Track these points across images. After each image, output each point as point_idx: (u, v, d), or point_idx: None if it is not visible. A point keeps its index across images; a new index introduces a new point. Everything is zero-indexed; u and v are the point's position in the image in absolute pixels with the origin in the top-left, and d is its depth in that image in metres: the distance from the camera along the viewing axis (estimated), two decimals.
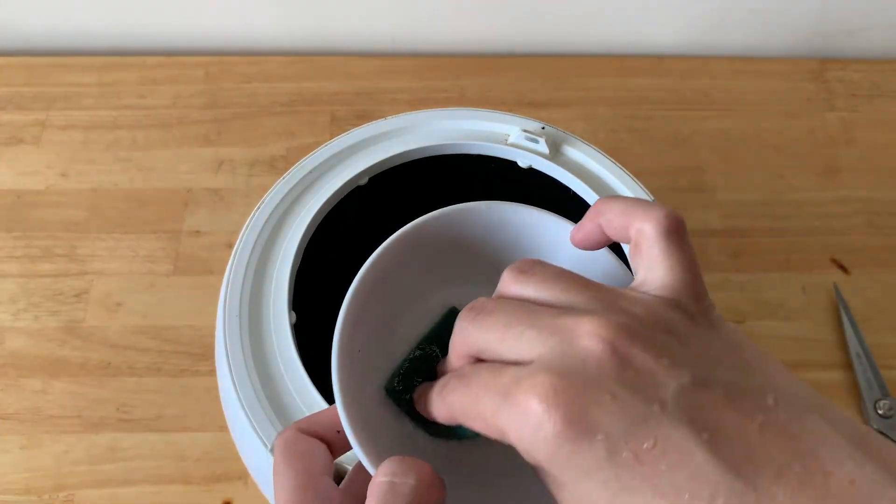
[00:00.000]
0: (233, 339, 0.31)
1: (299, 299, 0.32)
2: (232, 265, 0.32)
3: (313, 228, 0.34)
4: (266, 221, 0.33)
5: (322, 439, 0.23)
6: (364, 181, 0.35)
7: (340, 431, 0.23)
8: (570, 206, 0.36)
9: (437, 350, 0.26)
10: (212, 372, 0.41)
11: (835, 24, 0.59)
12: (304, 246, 0.33)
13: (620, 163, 0.36)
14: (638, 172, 0.52)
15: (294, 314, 0.31)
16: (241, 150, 0.52)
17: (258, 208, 0.34)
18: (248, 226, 0.33)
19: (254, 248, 0.33)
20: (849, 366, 0.45)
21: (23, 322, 0.45)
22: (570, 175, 0.35)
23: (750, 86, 0.57)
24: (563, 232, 0.26)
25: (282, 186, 0.35)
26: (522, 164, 0.36)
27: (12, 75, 0.55)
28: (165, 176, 0.51)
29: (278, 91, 0.55)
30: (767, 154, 0.54)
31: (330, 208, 0.34)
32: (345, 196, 0.35)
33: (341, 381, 0.23)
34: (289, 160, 0.52)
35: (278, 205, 0.34)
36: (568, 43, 0.60)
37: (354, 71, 0.56)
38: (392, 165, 0.36)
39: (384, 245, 0.25)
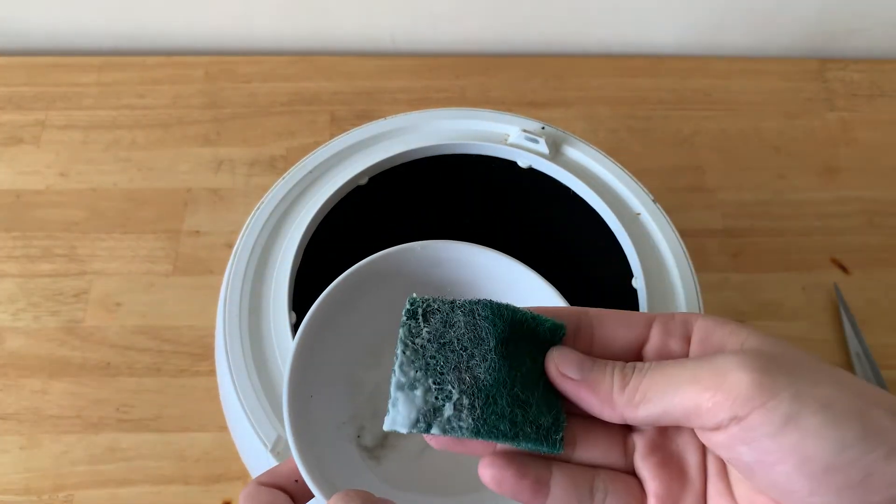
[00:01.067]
0: (233, 339, 0.31)
1: (299, 299, 0.32)
2: (232, 265, 0.32)
3: (313, 228, 0.34)
4: (266, 221, 0.33)
5: (283, 490, 0.24)
6: (364, 181, 0.35)
7: (298, 481, 0.24)
8: (569, 206, 0.36)
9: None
10: (212, 372, 0.41)
11: (835, 24, 0.59)
12: (304, 246, 0.33)
13: (620, 163, 0.36)
14: (638, 172, 0.52)
15: (294, 314, 0.31)
16: (240, 149, 0.52)
17: (258, 208, 0.34)
18: (247, 226, 0.33)
19: (254, 248, 0.33)
20: (849, 366, 0.45)
21: (22, 322, 0.45)
22: (569, 175, 0.35)
23: (750, 86, 0.57)
24: (498, 265, 0.27)
25: (281, 187, 0.35)
26: (522, 164, 0.36)
27: (12, 75, 0.55)
28: (165, 176, 0.51)
29: (278, 91, 0.55)
30: (767, 154, 0.54)
31: (330, 208, 0.34)
32: (345, 196, 0.35)
33: (294, 425, 0.24)
34: (288, 160, 0.52)
35: (278, 205, 0.34)
36: (568, 43, 0.60)
37: (354, 71, 0.56)
38: (392, 165, 0.36)
39: (324, 293, 0.26)
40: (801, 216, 0.51)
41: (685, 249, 0.33)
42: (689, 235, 0.50)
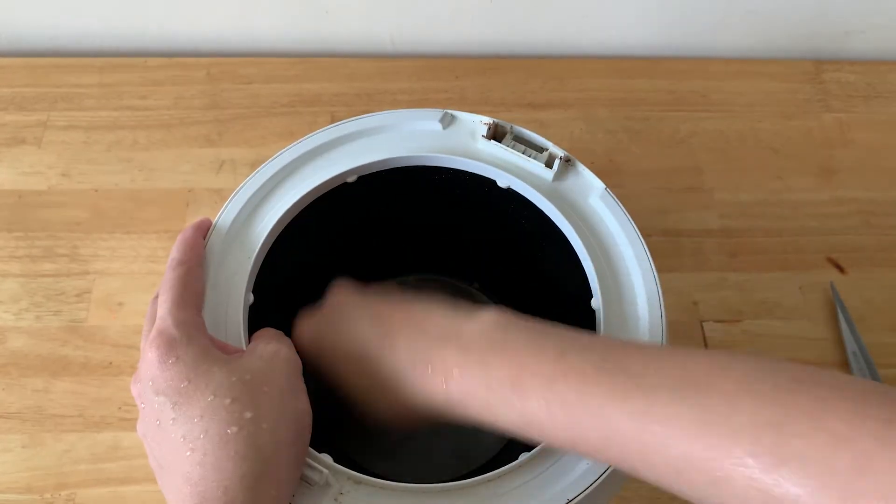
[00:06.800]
0: None
1: (259, 284, 0.32)
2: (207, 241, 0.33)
3: (287, 220, 0.33)
4: (243, 207, 0.33)
5: None
6: (353, 179, 0.35)
7: None
8: (549, 230, 0.35)
9: None
10: None
11: (831, 26, 0.59)
12: (276, 236, 0.33)
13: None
14: (636, 173, 0.53)
15: (252, 296, 0.31)
16: (241, 150, 0.52)
17: (231, 198, 0.34)
18: (229, 202, 0.33)
19: (232, 225, 0.33)
20: (845, 364, 0.45)
21: (25, 321, 0.46)
22: (554, 209, 0.34)
23: (747, 87, 0.57)
24: None
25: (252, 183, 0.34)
26: (501, 184, 0.35)
27: (14, 76, 0.55)
28: (167, 176, 0.51)
29: (279, 92, 0.55)
30: (765, 155, 0.54)
31: (310, 202, 0.34)
32: (329, 191, 0.35)
33: None
34: None
35: (256, 192, 0.34)
36: (567, 44, 0.60)
37: (354, 72, 0.57)
38: (377, 170, 0.35)
39: None
40: (798, 216, 0.52)
41: (653, 265, 0.33)
42: (686, 235, 0.50)
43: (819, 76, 0.58)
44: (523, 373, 0.26)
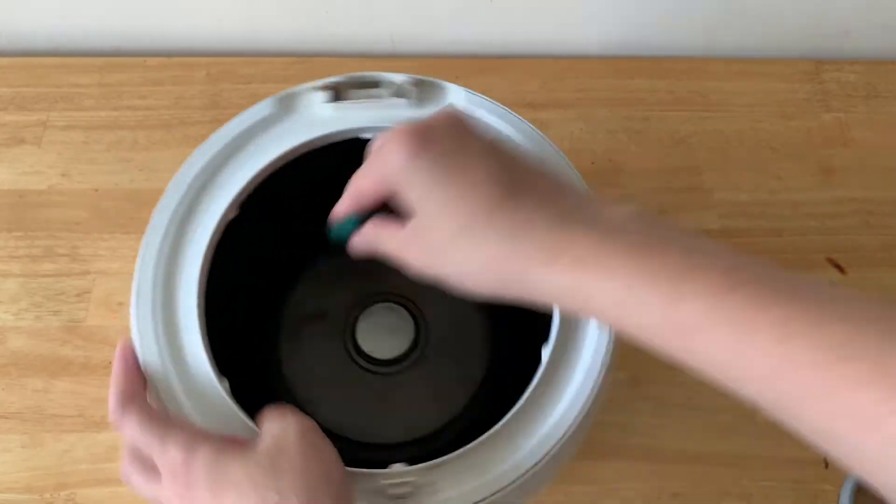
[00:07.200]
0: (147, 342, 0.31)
1: (221, 357, 0.32)
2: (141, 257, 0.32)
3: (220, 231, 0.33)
4: (172, 215, 0.33)
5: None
6: (234, 213, 0.34)
7: None
8: None
9: None
10: None
11: (831, 26, 0.59)
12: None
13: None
14: (636, 173, 0.53)
15: (226, 381, 0.31)
16: None
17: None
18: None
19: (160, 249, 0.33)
20: None
21: (25, 321, 0.46)
22: None
23: (747, 87, 0.57)
24: None
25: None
26: (369, 136, 0.34)
27: (14, 76, 0.55)
28: (167, 176, 0.51)
29: (279, 92, 0.55)
30: (764, 154, 0.54)
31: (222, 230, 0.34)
32: (220, 237, 0.34)
33: None
34: None
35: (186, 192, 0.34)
36: (567, 45, 0.60)
37: (354, 72, 0.57)
38: (251, 191, 0.34)
39: None
40: (798, 216, 0.52)
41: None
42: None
43: (819, 76, 0.58)
44: (688, 276, 0.22)
